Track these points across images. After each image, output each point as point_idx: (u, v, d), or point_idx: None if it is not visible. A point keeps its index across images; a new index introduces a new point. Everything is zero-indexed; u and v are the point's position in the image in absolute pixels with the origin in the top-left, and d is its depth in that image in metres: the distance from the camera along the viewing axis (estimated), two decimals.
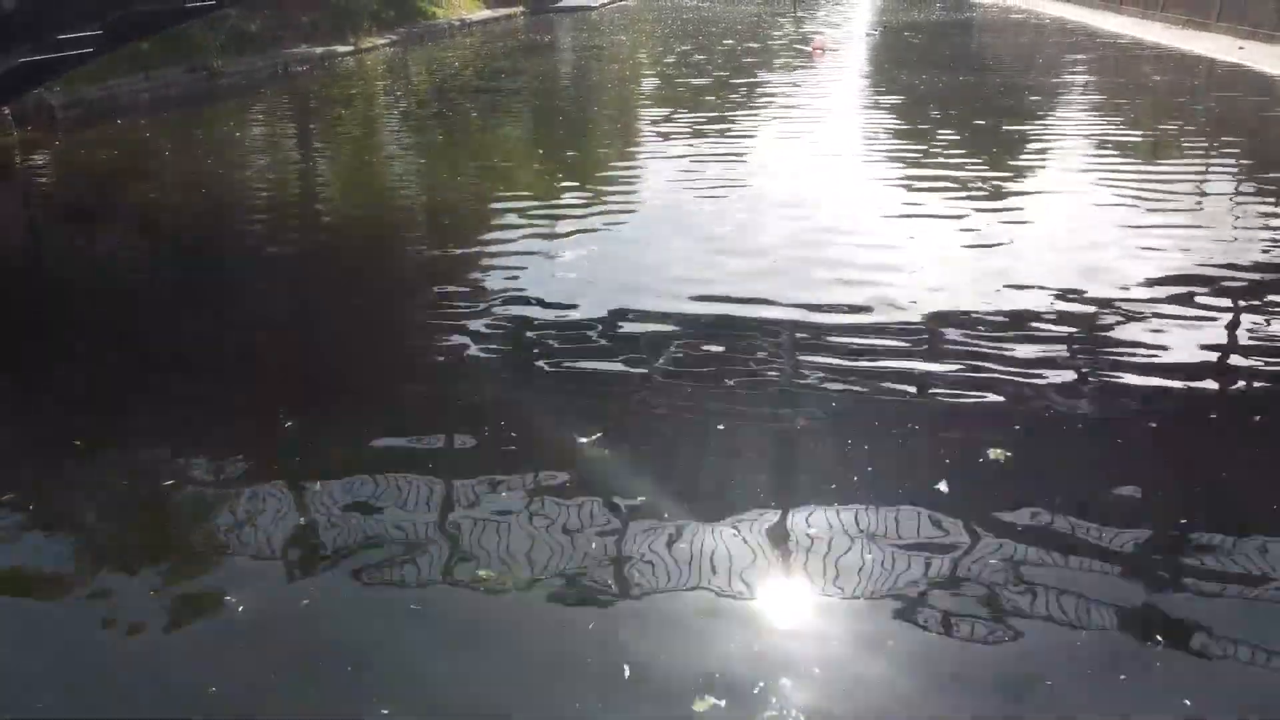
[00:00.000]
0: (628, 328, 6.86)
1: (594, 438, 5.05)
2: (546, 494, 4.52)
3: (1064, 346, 6.41)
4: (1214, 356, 6.30)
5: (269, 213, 10.77)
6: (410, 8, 31.62)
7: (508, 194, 10.88)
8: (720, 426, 5.19)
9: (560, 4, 41.80)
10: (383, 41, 27.47)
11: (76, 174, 12.91)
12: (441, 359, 6.60)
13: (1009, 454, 4.79)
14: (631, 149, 13.21)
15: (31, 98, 14.89)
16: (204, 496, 4.68)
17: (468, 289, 7.85)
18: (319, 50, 24.18)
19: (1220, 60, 20.99)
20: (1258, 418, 5.51)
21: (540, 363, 6.41)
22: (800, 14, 37.63)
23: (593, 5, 42.55)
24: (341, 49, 25.19)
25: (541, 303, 7.36)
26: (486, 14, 36.62)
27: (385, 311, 7.53)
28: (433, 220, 10.53)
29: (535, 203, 10.33)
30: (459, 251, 9.08)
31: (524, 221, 9.69)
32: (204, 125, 16.27)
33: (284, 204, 11.24)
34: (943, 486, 4.50)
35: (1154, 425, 5.43)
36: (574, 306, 7.18)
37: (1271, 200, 10.62)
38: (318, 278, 8.48)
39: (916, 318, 6.85)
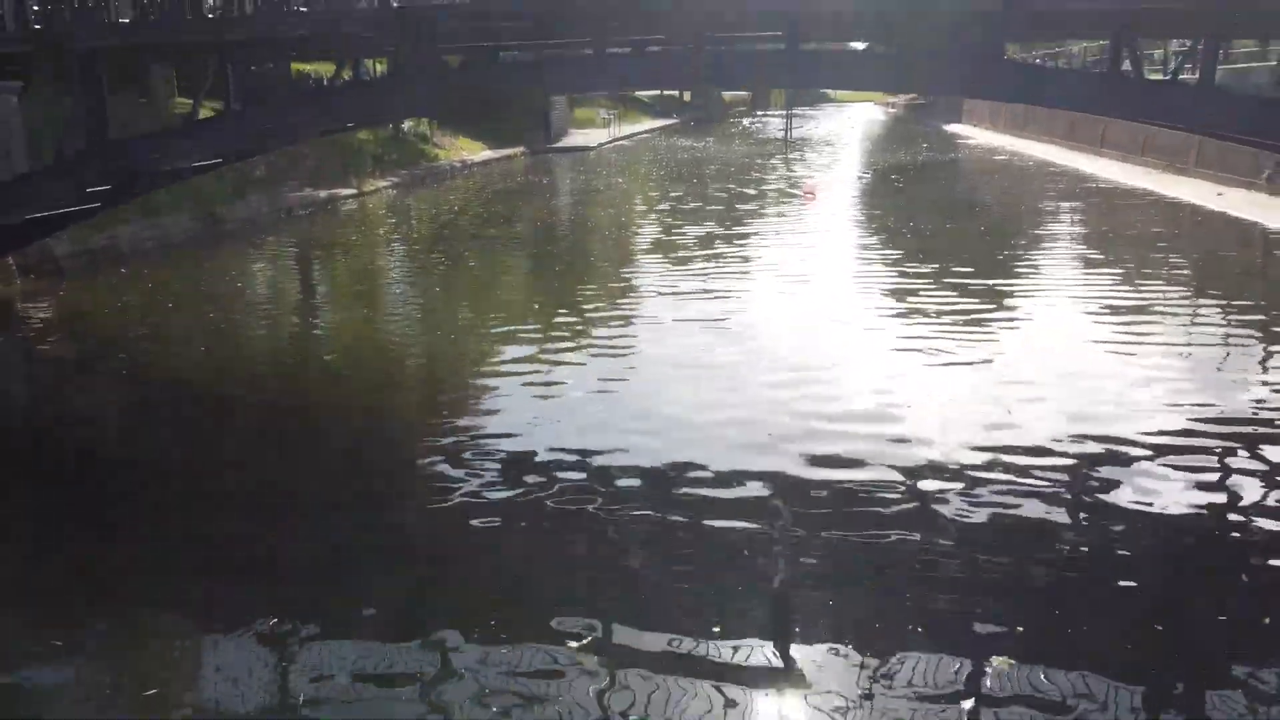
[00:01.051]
0: (618, 478, 6.82)
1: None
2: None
3: (1062, 499, 6.42)
4: (1215, 509, 6.29)
5: (268, 372, 10.81)
6: (413, 150, 32.62)
7: (501, 350, 10.96)
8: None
9: (559, 145, 43.18)
10: (385, 184, 28.22)
11: (75, 327, 13.00)
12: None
13: (1011, 662, 4.64)
14: (625, 300, 13.36)
15: (36, 245, 15.15)
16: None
17: (454, 443, 7.82)
18: (322, 194, 24.82)
19: (1202, 206, 21.52)
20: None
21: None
22: (792, 155, 38.81)
23: (590, 146, 43.92)
24: (344, 192, 25.87)
25: (533, 451, 7.38)
26: (487, 155, 37.75)
27: (374, 473, 7.48)
28: (427, 374, 10.61)
29: (531, 363, 10.37)
30: (448, 411, 9.12)
31: (520, 372, 9.78)
32: (206, 274, 16.50)
33: (282, 360, 11.31)
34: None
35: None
36: (562, 454, 7.22)
37: (1260, 347, 10.75)
38: (311, 439, 8.45)
39: (907, 465, 6.94)
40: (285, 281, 16.79)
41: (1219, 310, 12.59)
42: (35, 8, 10.11)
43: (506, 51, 11.89)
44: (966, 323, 11.46)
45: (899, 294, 13.18)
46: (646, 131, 56.62)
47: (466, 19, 9.47)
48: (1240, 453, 7.38)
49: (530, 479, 7.10)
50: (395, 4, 9.23)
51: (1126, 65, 9.55)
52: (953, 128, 51.42)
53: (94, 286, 15.04)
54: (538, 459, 7.49)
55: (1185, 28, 10.26)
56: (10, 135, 12.93)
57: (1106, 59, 9.38)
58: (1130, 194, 24.61)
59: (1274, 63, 23.45)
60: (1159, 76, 25.09)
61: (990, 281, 13.93)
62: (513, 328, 11.81)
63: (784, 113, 54.48)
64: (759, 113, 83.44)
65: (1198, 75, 9.06)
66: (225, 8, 10.03)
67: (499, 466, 7.39)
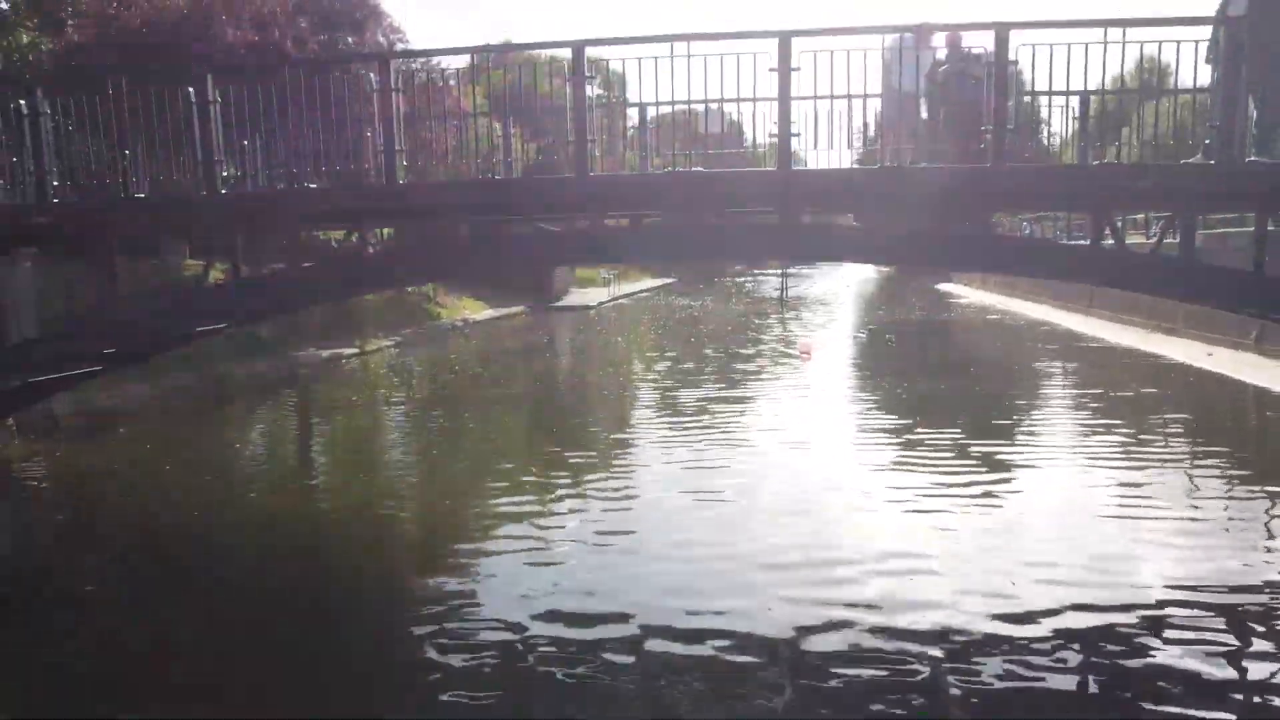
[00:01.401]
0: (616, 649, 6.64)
1: None
2: None
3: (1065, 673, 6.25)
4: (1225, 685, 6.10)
5: (261, 538, 10.69)
6: (416, 309, 33.25)
7: (494, 519, 10.88)
8: None
9: (560, 303, 44.04)
10: (387, 343, 28.64)
11: (71, 492, 12.94)
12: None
13: None
14: (621, 468, 13.32)
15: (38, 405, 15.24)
16: None
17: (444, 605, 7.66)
18: (325, 353, 25.16)
19: (1193, 366, 21.77)
20: None
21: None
22: (787, 315, 39.52)
23: (591, 305, 44.78)
24: (347, 351, 26.23)
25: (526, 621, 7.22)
26: (489, 314, 38.44)
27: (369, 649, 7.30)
28: (420, 543, 10.51)
29: (526, 536, 10.27)
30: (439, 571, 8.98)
31: (514, 546, 9.66)
32: (205, 435, 16.54)
33: (273, 529, 11.19)
34: None
35: None
36: (558, 618, 7.05)
37: (1264, 512, 10.70)
38: (295, 614, 8.29)
39: (908, 635, 6.81)
40: (283, 443, 16.82)
41: (1219, 474, 12.58)
42: (55, 184, 10.48)
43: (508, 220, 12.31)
44: (966, 488, 11.44)
45: (897, 460, 13.21)
46: (646, 290, 57.84)
47: (470, 194, 9.84)
48: (1251, 624, 7.26)
49: (516, 659, 6.94)
50: (401, 180, 9.59)
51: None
52: (945, 286, 52.59)
53: (92, 448, 15.05)
54: (525, 635, 7.34)
55: (1162, 204, 10.66)
56: (21, 301, 13.22)
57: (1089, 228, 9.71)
58: (1123, 354, 24.95)
59: (1252, 229, 24.19)
60: (1142, 239, 25.91)
61: (988, 445, 13.97)
62: (506, 498, 11.70)
63: (779, 271, 55.77)
64: (755, 271, 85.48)
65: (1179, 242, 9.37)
66: (239, 182, 10.42)
67: (483, 644, 7.23)
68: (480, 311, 38.14)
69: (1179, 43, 8.40)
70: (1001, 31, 8.42)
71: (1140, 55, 9.31)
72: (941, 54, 10.63)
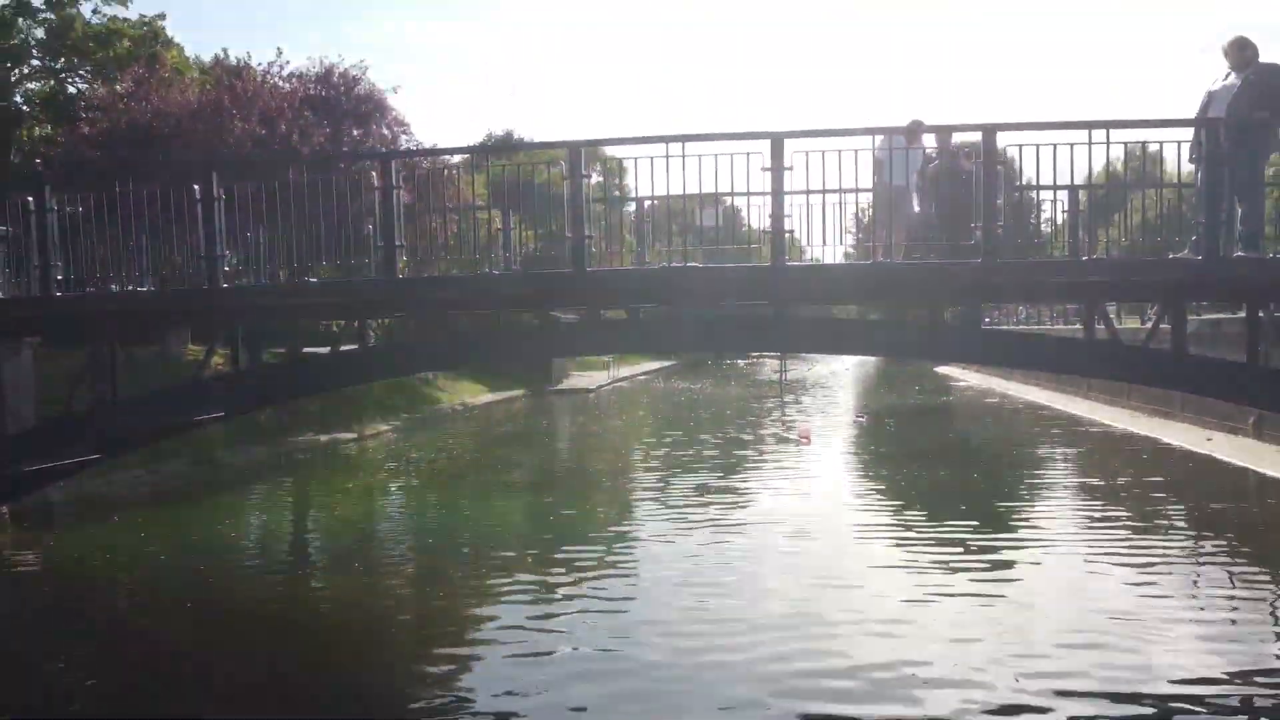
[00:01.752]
0: None
1: None
2: None
3: None
4: None
5: (246, 632, 10.55)
6: (415, 393, 33.29)
7: (488, 615, 10.76)
8: None
9: (560, 387, 44.12)
10: (386, 428, 28.61)
11: (61, 581, 12.81)
12: None
13: None
14: (618, 561, 13.17)
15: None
16: None
17: None
18: (324, 438, 25.14)
19: (1193, 451, 21.72)
20: None
21: None
22: (786, 399, 39.58)
23: (590, 388, 44.87)
24: (345, 436, 26.20)
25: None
26: (489, 398, 38.49)
27: None
28: (413, 638, 10.38)
29: (518, 629, 10.12)
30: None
31: (505, 640, 9.53)
32: (198, 523, 16.40)
33: (260, 620, 11.05)
34: None
35: None
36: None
37: (1270, 604, 10.61)
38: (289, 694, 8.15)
39: None
40: (277, 532, 16.70)
41: (1224, 564, 12.51)
42: (59, 278, 10.64)
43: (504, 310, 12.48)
44: (969, 582, 11.31)
45: (896, 554, 13.06)
46: (645, 373, 58.02)
47: (469, 288, 9.99)
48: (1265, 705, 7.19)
49: None
50: (400, 275, 9.74)
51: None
52: (944, 369, 52.76)
53: (85, 535, 14.94)
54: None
55: (1153, 296, 10.79)
56: (22, 389, 13.28)
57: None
58: (1121, 439, 24.93)
59: (1244, 313, 24.39)
60: (1137, 323, 26.07)
61: (990, 536, 13.87)
62: (502, 592, 11.57)
63: (777, 354, 56.07)
64: (753, 354, 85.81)
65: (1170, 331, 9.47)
66: (241, 274, 10.58)
67: None
68: (480, 395, 38.19)
69: (1162, 143, 8.62)
70: (989, 133, 8.65)
71: (1125, 151, 9.56)
72: (932, 151, 10.89)
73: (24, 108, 28.69)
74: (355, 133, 25.80)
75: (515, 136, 75.04)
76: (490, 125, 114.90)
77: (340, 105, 25.34)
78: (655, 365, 63.77)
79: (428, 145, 28.05)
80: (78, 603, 11.80)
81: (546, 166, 10.41)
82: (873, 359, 72.64)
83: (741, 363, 72.48)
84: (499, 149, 13.11)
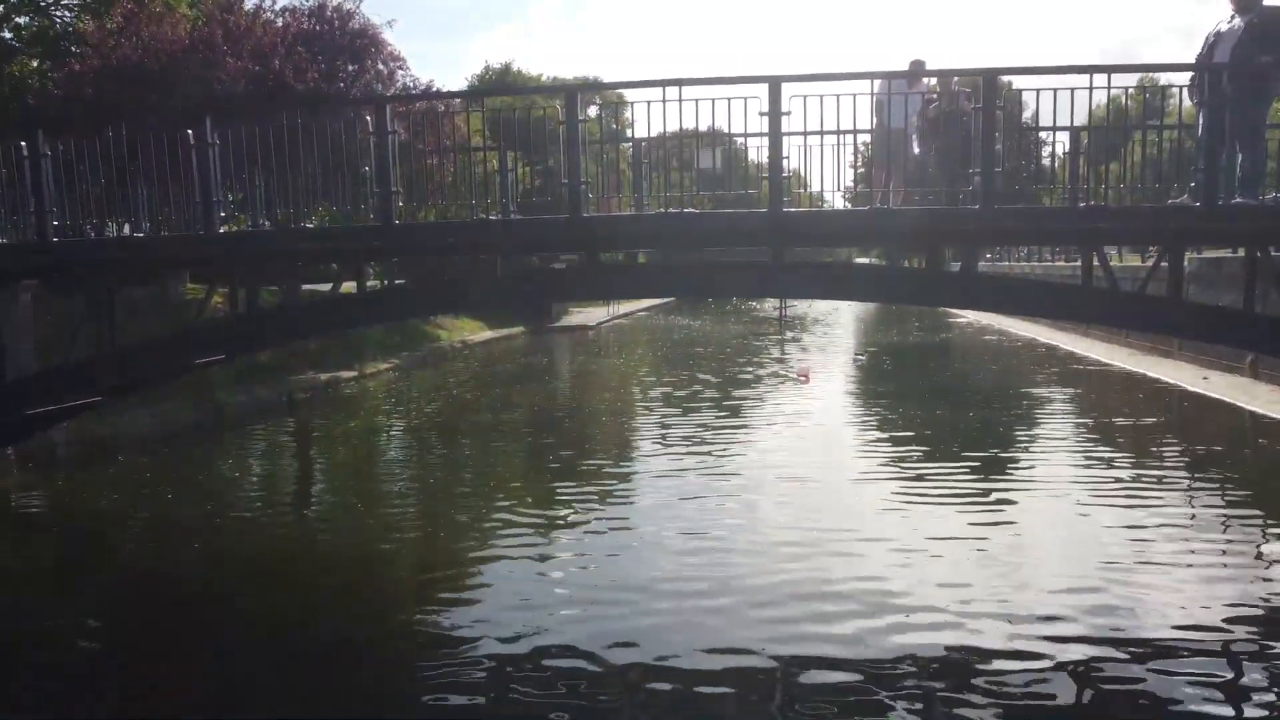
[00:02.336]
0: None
1: None
2: None
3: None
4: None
5: (256, 571, 10.76)
6: (414, 331, 33.30)
7: (489, 555, 10.93)
8: None
9: (559, 324, 44.12)
10: (386, 366, 28.69)
11: (68, 523, 13.00)
12: None
13: None
14: (617, 503, 13.35)
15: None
16: None
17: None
18: (324, 377, 25.22)
19: (1189, 390, 21.84)
20: None
21: None
22: (786, 336, 39.62)
23: (589, 325, 44.88)
24: (346, 374, 26.28)
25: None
26: (488, 335, 38.53)
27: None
28: (416, 575, 10.59)
29: (521, 568, 10.33)
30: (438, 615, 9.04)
31: (507, 578, 9.73)
32: (203, 464, 16.60)
33: (271, 556, 11.26)
34: None
35: None
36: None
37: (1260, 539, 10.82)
38: (293, 635, 8.35)
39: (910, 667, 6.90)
40: (281, 470, 16.89)
41: (1217, 503, 12.70)
42: (55, 223, 10.61)
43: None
44: (961, 518, 11.50)
45: (893, 492, 13.22)
46: (644, 310, 57.98)
47: (465, 234, 9.96)
48: (1244, 656, 7.39)
49: (508, 694, 7.01)
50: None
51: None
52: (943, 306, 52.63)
53: (90, 478, 15.11)
54: (518, 672, 7.41)
55: (1149, 240, 10.77)
56: (21, 334, 13.34)
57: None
58: (1118, 376, 25.04)
59: (1243, 252, 24.31)
60: (1138, 261, 25.97)
61: (983, 477, 14.02)
62: (501, 531, 11.73)
63: None
64: None
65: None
66: (236, 219, 10.58)
67: (476, 683, 7.31)
68: (479, 333, 38.22)
69: (1164, 87, 8.53)
70: (990, 76, 8.55)
71: (1125, 95, 9.45)
72: (932, 94, 10.78)
73: (13, 43, 28.23)
74: (350, 68, 25.41)
75: (514, 69, 74.12)
76: (489, 58, 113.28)
77: (334, 41, 24.91)
78: (654, 302, 63.57)
79: (424, 81, 27.78)
80: (85, 547, 11.98)
81: (543, 108, 10.29)
82: None
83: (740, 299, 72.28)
84: (495, 90, 12.89)
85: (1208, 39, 8.93)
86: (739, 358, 31.19)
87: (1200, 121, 8.70)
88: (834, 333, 42.26)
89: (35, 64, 27.64)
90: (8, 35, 27.35)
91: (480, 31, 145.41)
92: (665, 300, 65.69)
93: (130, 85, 21.20)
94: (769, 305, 58.81)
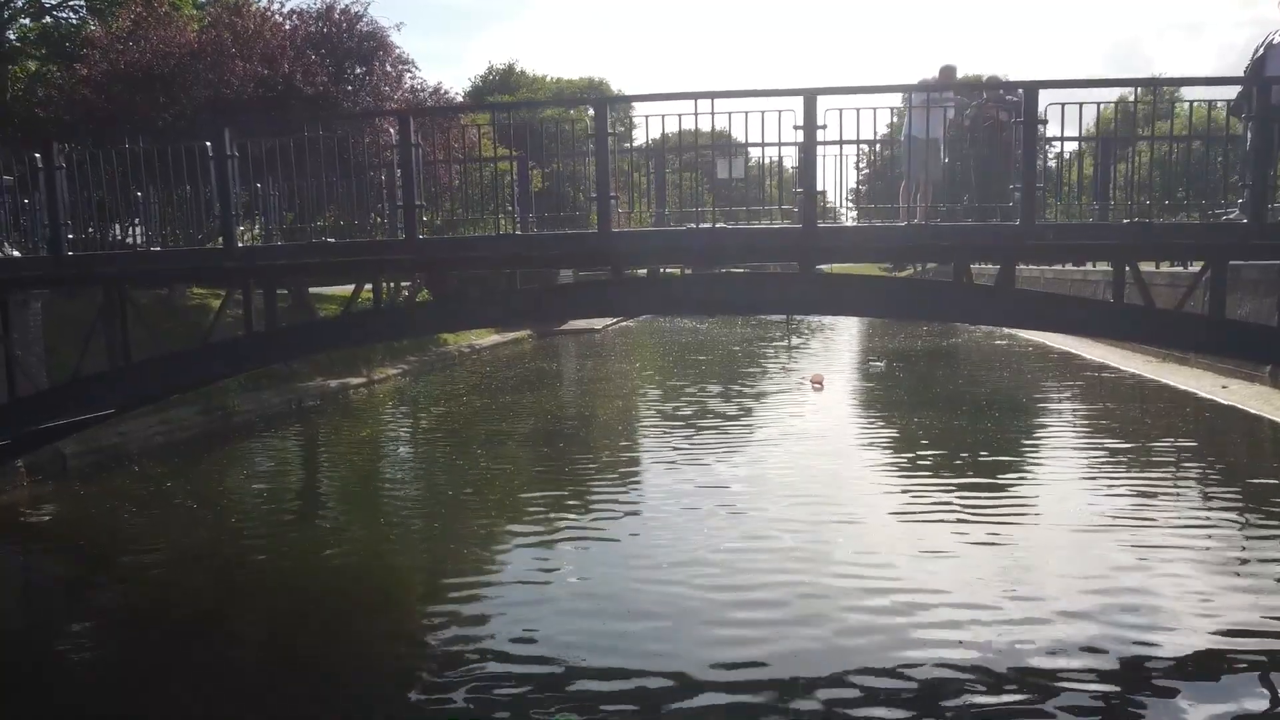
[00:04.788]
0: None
1: None
2: None
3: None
4: None
5: (266, 585, 10.58)
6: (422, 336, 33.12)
7: (495, 567, 10.78)
8: None
9: (566, 327, 43.88)
10: (394, 371, 28.50)
11: (77, 535, 12.80)
12: None
13: None
14: (626, 513, 13.15)
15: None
16: None
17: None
18: (333, 383, 25.03)
19: (1208, 399, 21.59)
20: None
21: None
22: (794, 341, 39.39)
23: (596, 329, 44.64)
24: (355, 380, 26.09)
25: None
26: (495, 339, 38.31)
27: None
28: (423, 586, 10.52)
29: (528, 576, 10.17)
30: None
31: (510, 585, 9.64)
32: (212, 473, 16.39)
33: (279, 570, 11.10)
34: None
35: None
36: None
37: None
38: (297, 650, 8.24)
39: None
40: (289, 480, 16.70)
41: (1240, 512, 12.51)
42: (70, 236, 10.40)
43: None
44: (986, 533, 11.31)
45: (907, 501, 13.06)
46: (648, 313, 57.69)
47: (490, 248, 9.73)
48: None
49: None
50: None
51: None
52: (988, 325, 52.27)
53: (100, 488, 14.90)
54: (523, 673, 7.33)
55: (1194, 255, 10.53)
56: (29, 344, 13.13)
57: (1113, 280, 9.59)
58: (1135, 384, 24.78)
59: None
60: (1176, 268, 25.36)
61: (999, 489, 13.83)
62: (507, 543, 11.66)
63: None
64: None
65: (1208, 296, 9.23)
66: (250, 231, 10.35)
67: (483, 681, 7.32)
68: (486, 337, 37.99)
69: (1210, 102, 8.31)
70: (1030, 90, 8.32)
71: (1172, 109, 9.21)
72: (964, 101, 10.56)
73: (17, 44, 28.00)
74: (358, 71, 25.17)
75: (518, 69, 73.87)
76: (492, 57, 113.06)
77: (342, 43, 24.68)
78: None
79: (431, 83, 27.47)
80: (92, 561, 11.79)
81: (570, 123, 10.06)
82: None
83: None
84: (523, 104, 12.74)
85: (1256, 51, 8.71)
86: (749, 364, 30.94)
87: (1248, 136, 8.47)
88: (842, 337, 42.00)
89: (35, 67, 27.44)
90: (12, 36, 27.13)
91: (480, 31, 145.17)
92: None
93: (139, 89, 20.99)
94: None
